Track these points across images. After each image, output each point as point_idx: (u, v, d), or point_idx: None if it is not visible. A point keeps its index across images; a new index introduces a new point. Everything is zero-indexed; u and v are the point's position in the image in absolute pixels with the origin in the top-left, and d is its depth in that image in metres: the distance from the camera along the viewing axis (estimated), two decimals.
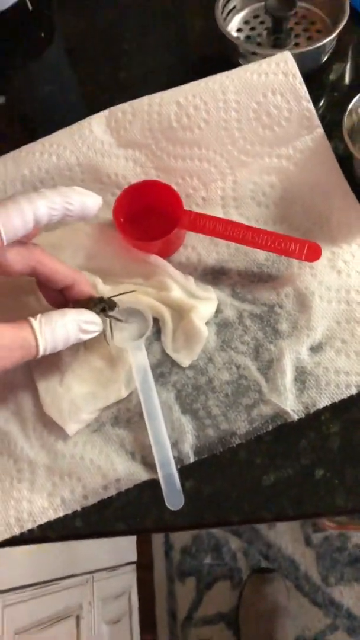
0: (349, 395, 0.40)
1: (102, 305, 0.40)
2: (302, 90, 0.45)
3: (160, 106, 0.46)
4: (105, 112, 0.48)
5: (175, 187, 0.45)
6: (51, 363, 0.42)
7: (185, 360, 0.43)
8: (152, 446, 0.39)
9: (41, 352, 0.36)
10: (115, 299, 0.41)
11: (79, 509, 0.39)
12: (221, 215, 0.46)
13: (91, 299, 0.41)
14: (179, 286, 0.44)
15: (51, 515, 0.39)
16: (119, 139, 0.48)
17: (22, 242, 0.37)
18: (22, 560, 0.83)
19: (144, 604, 1.27)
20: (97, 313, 0.40)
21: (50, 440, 0.41)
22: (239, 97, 0.45)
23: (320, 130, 0.46)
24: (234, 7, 0.56)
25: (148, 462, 0.40)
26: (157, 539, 1.33)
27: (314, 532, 1.22)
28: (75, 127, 0.48)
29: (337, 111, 0.47)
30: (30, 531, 0.39)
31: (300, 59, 0.45)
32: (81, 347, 0.43)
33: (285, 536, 1.26)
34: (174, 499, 0.38)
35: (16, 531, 0.39)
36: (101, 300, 0.40)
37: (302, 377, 0.41)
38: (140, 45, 0.59)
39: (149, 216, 0.46)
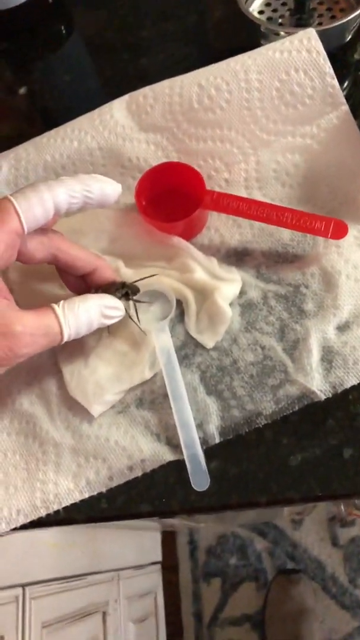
0: None
1: (125, 290, 0.40)
2: (326, 67, 0.44)
3: (181, 89, 0.46)
4: (126, 96, 0.48)
5: (197, 170, 0.45)
6: (75, 347, 0.42)
7: (209, 341, 0.42)
8: (177, 427, 0.39)
9: (65, 339, 0.36)
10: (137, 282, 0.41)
11: (104, 490, 0.39)
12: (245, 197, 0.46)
13: (113, 284, 0.40)
14: (202, 268, 0.44)
15: (77, 496, 0.39)
16: (140, 123, 0.47)
17: (43, 229, 0.37)
18: (49, 553, 0.84)
19: (170, 606, 1.27)
20: (119, 298, 0.40)
21: (75, 422, 0.41)
22: (262, 76, 0.44)
23: (345, 108, 0.45)
24: None
25: (173, 443, 0.39)
26: (182, 539, 1.32)
27: (341, 527, 1.20)
28: (96, 112, 0.48)
29: None
30: (56, 513, 0.39)
31: (323, 37, 0.44)
32: (105, 331, 0.42)
33: (311, 536, 1.24)
34: (199, 479, 0.38)
35: (42, 513, 0.39)
36: (123, 285, 0.40)
37: (328, 356, 0.40)
38: (160, 32, 0.59)
39: (171, 198, 0.46)
